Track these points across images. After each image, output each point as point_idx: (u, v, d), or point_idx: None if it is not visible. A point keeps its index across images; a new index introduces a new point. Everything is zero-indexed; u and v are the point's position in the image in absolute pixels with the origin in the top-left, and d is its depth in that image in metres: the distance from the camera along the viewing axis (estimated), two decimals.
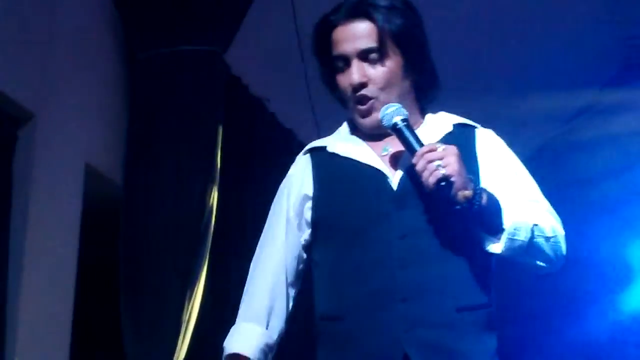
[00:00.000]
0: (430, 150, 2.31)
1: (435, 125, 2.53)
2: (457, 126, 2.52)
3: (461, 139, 2.46)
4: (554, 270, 2.45)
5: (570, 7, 5.58)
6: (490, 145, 2.50)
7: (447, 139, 2.45)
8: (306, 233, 2.53)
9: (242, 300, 2.54)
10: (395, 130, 2.41)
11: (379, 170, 2.46)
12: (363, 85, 2.46)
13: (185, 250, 4.30)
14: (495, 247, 2.35)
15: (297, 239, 2.54)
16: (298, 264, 2.55)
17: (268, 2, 4.71)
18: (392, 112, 2.42)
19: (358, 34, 2.46)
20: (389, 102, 2.44)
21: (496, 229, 2.34)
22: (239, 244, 4.80)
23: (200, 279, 4.31)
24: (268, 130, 5.54)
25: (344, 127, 2.62)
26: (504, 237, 2.34)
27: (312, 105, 5.13)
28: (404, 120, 2.40)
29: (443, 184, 2.28)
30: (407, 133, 2.39)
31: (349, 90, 2.48)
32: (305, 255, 2.55)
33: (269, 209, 2.58)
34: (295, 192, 2.54)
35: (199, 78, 4.50)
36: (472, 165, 2.43)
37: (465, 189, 2.28)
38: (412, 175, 2.39)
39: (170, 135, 4.41)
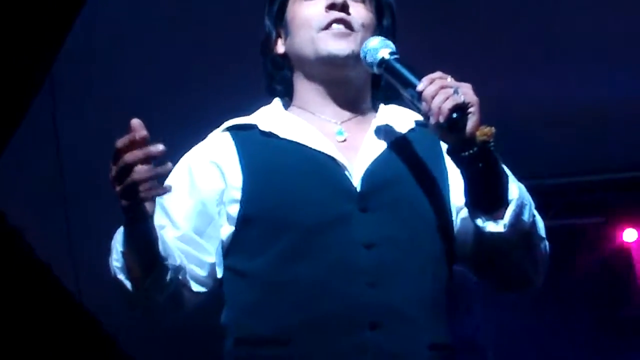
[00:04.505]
0: (442, 77, 1.91)
1: (395, 119, 2.12)
2: (419, 124, 2.09)
3: (426, 138, 2.05)
4: (531, 287, 2.07)
5: None
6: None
7: (410, 137, 2.09)
8: (226, 231, 2.02)
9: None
10: (383, 66, 1.99)
11: (335, 160, 2.01)
12: (345, 7, 2.06)
13: None
14: (494, 226, 1.90)
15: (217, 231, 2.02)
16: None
17: (31, 133, 4.64)
18: (377, 45, 2.01)
19: None
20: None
21: (498, 199, 1.91)
22: None
23: None
24: (24, 262, 5.37)
25: (276, 104, 2.15)
26: (510, 209, 1.90)
27: (70, 241, 5.03)
28: (392, 53, 2.00)
29: (456, 115, 1.85)
30: (400, 66, 1.97)
31: (320, 14, 2.06)
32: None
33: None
34: (212, 177, 2.03)
35: None
36: (442, 170, 2.06)
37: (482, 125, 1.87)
38: (379, 169, 2.01)
39: None
